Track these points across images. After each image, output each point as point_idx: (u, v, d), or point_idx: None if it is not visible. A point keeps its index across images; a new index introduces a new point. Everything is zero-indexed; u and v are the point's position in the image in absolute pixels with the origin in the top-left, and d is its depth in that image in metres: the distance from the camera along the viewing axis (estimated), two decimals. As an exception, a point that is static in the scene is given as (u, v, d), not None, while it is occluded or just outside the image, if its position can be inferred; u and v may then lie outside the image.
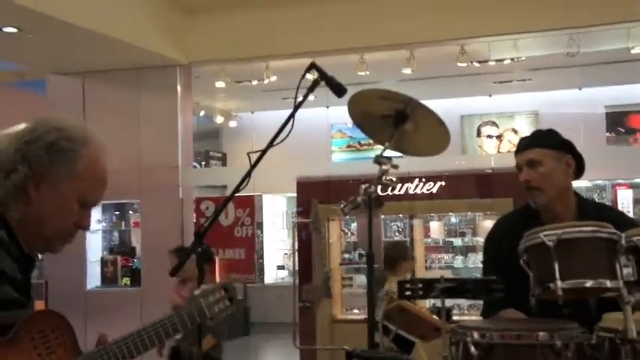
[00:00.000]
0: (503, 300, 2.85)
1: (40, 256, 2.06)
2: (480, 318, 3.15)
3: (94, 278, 9.42)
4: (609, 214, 2.99)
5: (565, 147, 3.06)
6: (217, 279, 9.79)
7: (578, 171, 3.07)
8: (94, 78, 9.18)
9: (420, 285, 2.81)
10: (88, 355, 1.84)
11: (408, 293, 2.81)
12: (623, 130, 12.25)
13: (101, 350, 1.84)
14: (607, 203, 10.10)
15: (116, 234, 10.37)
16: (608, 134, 12.18)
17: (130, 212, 10.33)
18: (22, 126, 1.87)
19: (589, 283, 2.41)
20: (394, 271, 6.11)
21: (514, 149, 3.12)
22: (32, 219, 1.83)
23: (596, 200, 10.10)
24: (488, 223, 9.17)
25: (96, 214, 9.80)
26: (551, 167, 3.00)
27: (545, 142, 3.05)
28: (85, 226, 1.91)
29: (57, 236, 1.88)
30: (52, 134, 1.82)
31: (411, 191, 8.36)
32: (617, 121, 12.24)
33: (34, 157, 1.81)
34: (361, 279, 9.09)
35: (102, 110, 8.98)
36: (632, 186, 11.58)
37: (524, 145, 3.07)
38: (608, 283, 2.40)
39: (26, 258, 1.88)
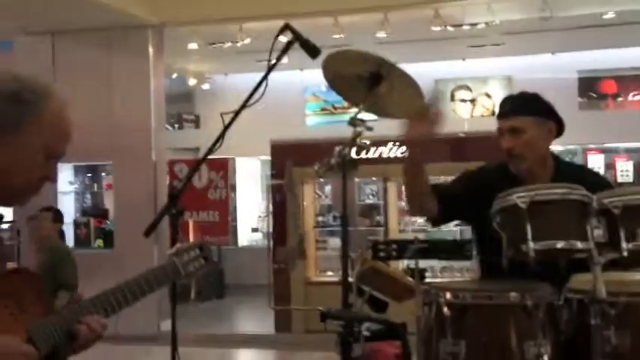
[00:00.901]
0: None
1: (11, 215, 2.05)
2: (454, 279, 3.19)
3: (67, 240, 9.37)
4: (585, 175, 3.01)
5: (548, 112, 3.06)
6: (191, 240, 9.79)
7: (558, 134, 3.10)
8: (64, 38, 9.03)
9: (394, 246, 2.83)
10: (58, 311, 1.84)
11: (381, 254, 2.84)
12: (595, 96, 12.34)
13: (74, 308, 1.84)
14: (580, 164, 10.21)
15: (89, 196, 10.31)
16: (580, 99, 12.26)
17: (103, 174, 10.27)
18: None
19: (560, 245, 2.44)
20: None
21: (487, 113, 3.12)
22: None
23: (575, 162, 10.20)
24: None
25: (68, 176, 9.72)
26: (535, 135, 3.01)
27: (529, 109, 3.04)
28: (52, 178, 1.88)
29: (23, 188, 1.86)
30: (14, 85, 1.80)
31: (385, 155, 8.39)
32: (589, 86, 12.33)
33: None
34: (335, 241, 9.14)
35: (72, 71, 8.84)
36: (603, 151, 11.70)
37: (508, 111, 3.05)
38: (579, 245, 2.44)
39: None
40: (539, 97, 3.11)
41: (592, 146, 11.68)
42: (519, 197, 2.47)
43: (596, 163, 11.46)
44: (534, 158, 3.04)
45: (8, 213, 10.04)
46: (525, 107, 3.06)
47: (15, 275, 1.84)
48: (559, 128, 3.09)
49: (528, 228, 2.42)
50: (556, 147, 3.14)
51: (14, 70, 1.87)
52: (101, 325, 1.85)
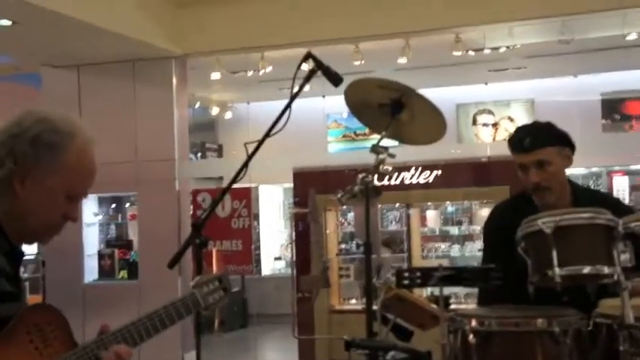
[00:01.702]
0: (500, 288, 2.85)
1: (36, 249, 2.07)
2: (479, 306, 3.16)
3: (91, 272, 9.41)
4: (605, 200, 2.98)
5: (564, 139, 3.03)
6: (214, 270, 9.79)
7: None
8: (89, 70, 9.15)
9: (418, 274, 2.81)
10: (84, 345, 1.84)
11: (405, 282, 2.82)
12: (619, 117, 12.24)
13: (98, 341, 1.85)
14: (602, 190, 10.12)
15: (113, 227, 10.36)
16: (603, 121, 12.17)
17: (127, 205, 10.32)
18: (14, 117, 1.86)
19: (587, 270, 2.42)
20: None
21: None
22: (18, 212, 1.83)
23: (592, 187, 10.10)
24: (484, 212, 9.18)
25: (92, 207, 9.79)
26: (559, 165, 2.97)
27: (550, 139, 2.97)
28: (73, 218, 1.90)
29: (43, 228, 1.88)
30: (37, 127, 1.81)
31: (407, 181, 8.35)
32: (612, 107, 12.24)
33: (19, 151, 1.80)
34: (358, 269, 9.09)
35: (97, 103, 8.95)
36: (627, 173, 11.59)
37: (531, 144, 2.95)
38: (606, 270, 2.41)
39: (14, 251, 1.88)
40: (553, 125, 3.04)
41: (617, 168, 11.57)
42: (544, 222, 2.45)
43: (620, 185, 11.34)
44: (559, 188, 3.00)
45: (33, 245, 10.13)
46: (547, 138, 2.98)
47: (39, 309, 1.85)
48: (572, 152, 3.05)
49: (554, 253, 2.40)
50: (579, 170, 3.12)
51: (41, 108, 1.88)
52: (128, 353, 1.86)
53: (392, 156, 2.98)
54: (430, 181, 8.35)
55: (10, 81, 10.90)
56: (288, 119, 2.58)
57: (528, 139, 2.97)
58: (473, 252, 9.45)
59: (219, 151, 13.79)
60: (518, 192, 3.16)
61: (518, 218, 2.60)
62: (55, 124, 1.83)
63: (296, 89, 2.67)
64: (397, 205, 9.51)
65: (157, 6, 8.49)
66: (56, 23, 7.27)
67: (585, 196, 3.07)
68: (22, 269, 1.95)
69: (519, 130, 3.12)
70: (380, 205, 9.23)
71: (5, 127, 1.84)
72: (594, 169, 11.30)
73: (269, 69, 9.57)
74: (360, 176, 2.92)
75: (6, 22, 7.20)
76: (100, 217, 10.05)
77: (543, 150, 2.95)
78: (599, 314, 2.55)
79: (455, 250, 9.86)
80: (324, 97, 11.84)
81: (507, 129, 12.53)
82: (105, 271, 9.41)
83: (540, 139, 2.97)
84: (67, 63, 9.07)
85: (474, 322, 2.55)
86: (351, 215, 10.24)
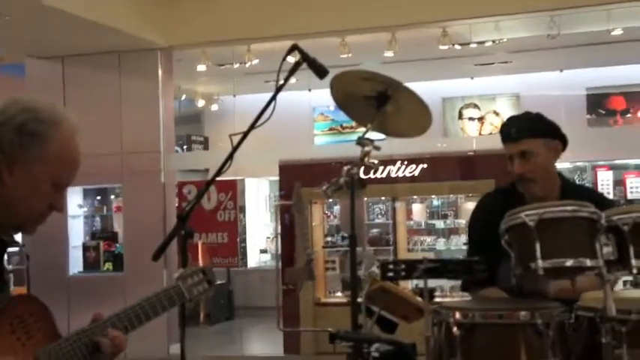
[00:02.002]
0: (486, 279, 2.87)
1: (20, 241, 2.05)
2: (463, 298, 3.18)
3: (76, 263, 9.39)
4: (590, 195, 3.00)
5: (554, 132, 3.04)
6: (200, 263, 9.78)
7: (562, 151, 3.08)
8: (74, 61, 9.10)
9: (403, 266, 2.82)
10: (77, 332, 1.85)
11: (390, 274, 2.82)
12: (604, 112, 12.31)
13: (92, 328, 1.86)
14: (587, 185, 10.18)
15: (98, 219, 10.33)
16: (588, 116, 12.24)
17: (112, 197, 10.29)
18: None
19: (569, 262, 2.43)
20: None
21: (496, 131, 3.10)
22: (5, 201, 1.82)
23: (577, 182, 10.16)
24: (470, 205, 9.21)
25: (77, 199, 9.75)
26: (544, 156, 2.99)
27: (536, 130, 3.00)
28: (59, 208, 1.89)
29: (29, 218, 1.87)
30: (22, 116, 1.81)
31: (393, 174, 8.38)
32: (597, 102, 12.30)
33: (5, 139, 1.80)
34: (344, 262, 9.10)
35: (82, 94, 8.91)
36: (612, 167, 11.65)
37: (517, 134, 3.00)
38: (588, 262, 2.42)
39: None
40: (543, 116, 3.08)
41: (601, 163, 11.62)
42: (527, 215, 2.46)
43: (605, 179, 11.41)
44: (545, 180, 3.02)
45: (17, 237, 10.07)
46: (533, 129, 3.01)
47: (22, 301, 1.84)
48: (563, 146, 3.07)
49: (537, 246, 2.41)
50: (565, 164, 3.14)
51: (26, 97, 1.88)
52: (123, 339, 1.87)
53: (377, 148, 2.98)
54: (416, 175, 8.38)
55: (-5, 71, 10.82)
56: (273, 111, 2.57)
57: (515, 129, 3.02)
58: (458, 245, 9.48)
59: (205, 144, 13.76)
60: (506, 184, 3.18)
61: (506, 209, 2.61)
62: (39, 113, 1.83)
63: (282, 82, 2.66)
64: (383, 198, 9.54)
65: (143, -3, 8.45)
66: (41, 14, 7.23)
67: (572, 189, 3.10)
68: (5, 260, 1.94)
69: (509, 119, 3.16)
70: (366, 199, 9.26)
71: None
72: (579, 164, 11.36)
73: (255, 61, 9.55)
74: (346, 168, 2.92)
75: (-10, 13, 7.15)
76: (85, 209, 10.01)
77: (528, 141, 2.98)
78: (581, 307, 2.57)
79: (440, 244, 9.89)
80: (310, 90, 11.83)
81: (493, 123, 12.58)
82: (90, 263, 9.39)
83: (526, 129, 3.01)
84: (51, 54, 9.01)
85: (457, 315, 2.56)
86: (337, 208, 10.26)
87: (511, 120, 3.14)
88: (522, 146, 2.98)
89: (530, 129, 3.01)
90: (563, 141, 3.06)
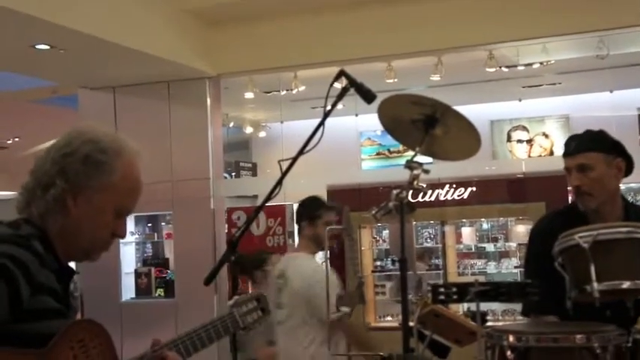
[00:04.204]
0: (541, 301, 2.82)
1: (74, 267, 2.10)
2: (516, 322, 3.13)
3: (128, 290, 9.50)
4: None
5: (615, 149, 3.00)
6: (250, 288, 9.81)
7: (627, 171, 3.03)
8: (125, 91, 9.29)
9: (454, 289, 2.80)
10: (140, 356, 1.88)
11: (441, 297, 2.81)
12: (657, 132, 12.08)
13: (153, 352, 1.88)
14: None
15: (149, 245, 10.45)
16: (641, 136, 12.02)
17: (163, 224, 10.41)
18: (57, 139, 1.91)
19: (626, 285, 2.39)
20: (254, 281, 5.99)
21: (545, 153, 3.08)
22: (70, 230, 1.87)
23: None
24: (520, 228, 9.10)
25: (129, 225, 9.89)
26: (602, 171, 2.94)
27: (596, 145, 2.97)
28: (121, 235, 1.95)
29: (94, 246, 1.93)
30: (87, 147, 1.86)
31: (442, 197, 8.34)
32: (649, 122, 12.08)
33: (71, 170, 1.85)
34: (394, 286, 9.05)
35: (133, 123, 9.07)
36: (667, 188, 11.41)
37: (575, 148, 2.99)
38: (646, 285, 2.37)
39: (64, 269, 1.91)
40: (605, 133, 3.04)
41: (655, 183, 11.40)
42: (582, 237, 2.43)
43: (660, 201, 11.16)
44: (603, 196, 2.96)
45: (71, 264, 10.25)
46: (592, 144, 2.99)
47: (83, 325, 1.87)
48: (628, 165, 3.02)
49: (592, 268, 2.37)
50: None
51: (88, 127, 1.93)
52: None
53: (426, 172, 2.97)
54: (465, 198, 8.32)
55: (49, 104, 11.11)
56: (321, 137, 2.59)
57: (574, 143, 3.01)
58: (509, 269, 9.36)
59: (254, 170, 13.87)
60: (567, 205, 3.13)
61: (568, 226, 2.57)
62: (102, 144, 1.88)
63: (329, 107, 2.68)
64: (432, 221, 9.48)
65: (191, 27, 8.60)
66: (93, 47, 7.40)
67: (636, 211, 3.03)
68: (72, 286, 1.98)
69: (570, 136, 3.15)
70: (415, 222, 9.21)
71: (54, 146, 1.89)
72: (632, 185, 11.14)
73: (302, 88, 9.62)
74: (394, 192, 2.91)
75: (45, 47, 7.35)
76: (137, 235, 10.15)
77: (585, 154, 2.95)
78: (639, 330, 2.52)
79: (491, 267, 9.77)
80: (357, 115, 11.86)
81: (542, 145, 12.43)
82: (142, 290, 9.49)
83: (585, 143, 2.99)
84: (103, 85, 9.21)
85: (511, 338, 2.53)
86: (385, 232, 10.21)
87: (572, 136, 3.13)
88: (579, 159, 2.95)
89: (588, 143, 2.99)
90: (627, 160, 3.01)
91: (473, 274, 9.39)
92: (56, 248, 1.88)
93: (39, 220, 1.86)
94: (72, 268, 1.95)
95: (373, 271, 9.17)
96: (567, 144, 3.06)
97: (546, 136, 12.50)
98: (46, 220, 1.87)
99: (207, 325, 1.98)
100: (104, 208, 1.88)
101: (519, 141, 12.73)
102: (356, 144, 13.24)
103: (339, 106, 2.72)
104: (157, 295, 9.48)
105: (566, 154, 3.02)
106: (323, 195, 8.96)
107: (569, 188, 3.06)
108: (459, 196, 8.32)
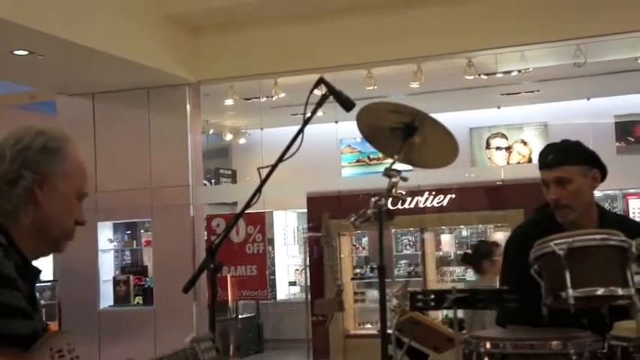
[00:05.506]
0: (517, 308, 2.84)
1: (52, 274, 2.10)
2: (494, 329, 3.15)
3: (106, 298, 9.44)
4: (629, 226, 2.95)
5: (591, 160, 3.00)
6: (230, 296, 9.79)
7: (601, 180, 3.04)
8: (104, 98, 9.25)
9: (432, 296, 2.81)
10: None
11: (419, 304, 2.82)
12: (633, 140, 12.20)
13: None
14: (619, 212, 10.07)
15: (128, 253, 10.39)
16: (617, 144, 12.13)
17: (142, 231, 10.36)
18: (4, 139, 1.94)
19: (600, 291, 2.41)
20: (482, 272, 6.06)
21: (524, 160, 3.09)
22: (42, 221, 1.91)
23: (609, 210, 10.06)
24: (499, 235, 9.15)
25: (107, 233, 9.84)
26: (580, 184, 2.93)
27: (573, 158, 2.96)
28: (83, 222, 1.99)
29: (63, 234, 1.97)
30: (40, 138, 1.92)
31: (421, 204, 8.37)
32: (626, 130, 12.21)
33: (33, 162, 1.89)
34: (373, 294, 9.07)
35: (112, 130, 9.04)
36: (643, 195, 11.53)
37: (552, 161, 2.96)
38: (620, 291, 2.40)
39: (28, 268, 1.91)
40: (581, 144, 3.03)
41: (632, 191, 11.51)
42: (557, 244, 2.45)
43: (637, 207, 11.29)
44: (581, 208, 2.97)
45: (49, 272, 10.16)
46: (569, 156, 2.97)
47: (61, 336, 1.87)
48: (602, 174, 3.04)
49: (567, 275, 2.39)
50: (595, 193, 3.09)
51: (30, 122, 2.00)
52: None
53: (405, 179, 2.98)
54: (444, 205, 8.36)
55: (26, 109, 11.02)
56: (301, 144, 2.59)
57: (551, 156, 2.99)
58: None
59: (233, 177, 13.85)
60: (544, 214, 3.12)
61: (544, 234, 2.58)
62: (51, 134, 1.95)
63: (309, 114, 2.69)
64: (411, 229, 9.51)
65: (171, 34, 8.59)
66: (72, 53, 7.37)
67: (611, 218, 3.05)
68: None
69: (546, 147, 3.12)
70: (394, 229, 9.24)
71: (6, 143, 1.92)
72: (609, 192, 11.25)
73: (282, 95, 9.63)
74: (373, 199, 2.92)
75: (23, 52, 7.31)
76: (115, 243, 10.09)
77: (564, 168, 2.93)
78: (614, 336, 2.54)
79: (470, 274, 9.80)
80: (336, 122, 11.88)
81: (521, 152, 12.52)
82: (120, 297, 9.43)
83: (563, 156, 2.97)
84: (82, 91, 9.17)
85: (488, 345, 2.54)
86: (365, 240, 10.24)
87: (548, 147, 3.09)
88: (558, 173, 2.94)
89: (566, 156, 2.98)
90: (602, 170, 3.03)
91: (452, 281, 9.43)
92: (22, 245, 1.89)
93: (2, 216, 1.88)
94: (37, 267, 1.96)
95: (353, 279, 9.17)
96: (544, 155, 3.03)
97: (525, 143, 12.59)
98: (16, 214, 1.88)
99: (171, 356, 1.97)
100: (68, 194, 1.94)
101: (498, 148, 12.81)
102: (336, 151, 13.25)
103: (319, 113, 2.73)
104: (135, 302, 9.42)
105: (543, 167, 3.00)
106: (303, 203, 8.99)
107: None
108: (438, 203, 8.36)
